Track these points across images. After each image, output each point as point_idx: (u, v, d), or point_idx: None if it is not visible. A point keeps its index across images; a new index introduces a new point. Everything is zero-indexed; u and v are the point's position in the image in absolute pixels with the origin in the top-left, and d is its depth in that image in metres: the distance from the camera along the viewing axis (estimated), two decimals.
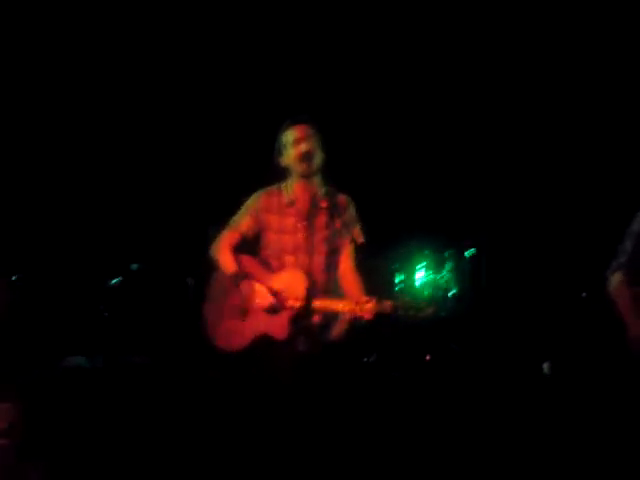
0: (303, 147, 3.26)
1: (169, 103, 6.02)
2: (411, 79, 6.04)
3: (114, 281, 5.61)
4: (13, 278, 5.34)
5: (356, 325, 3.17)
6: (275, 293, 3.22)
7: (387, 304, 3.03)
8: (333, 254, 3.35)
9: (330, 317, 3.22)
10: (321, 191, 3.36)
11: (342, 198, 3.41)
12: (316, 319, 3.16)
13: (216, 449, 3.64)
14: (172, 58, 5.91)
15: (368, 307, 3.03)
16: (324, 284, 3.30)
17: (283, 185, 3.40)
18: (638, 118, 5.51)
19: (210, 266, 3.44)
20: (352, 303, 3.08)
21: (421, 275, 5.60)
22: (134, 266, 5.72)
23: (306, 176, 3.27)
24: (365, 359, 5.21)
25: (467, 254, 5.56)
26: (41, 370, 4.68)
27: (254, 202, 3.42)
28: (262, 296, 3.21)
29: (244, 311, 3.27)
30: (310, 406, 3.11)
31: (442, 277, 5.60)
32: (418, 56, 5.97)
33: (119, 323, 5.47)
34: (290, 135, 3.31)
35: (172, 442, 3.85)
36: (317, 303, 3.13)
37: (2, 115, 5.69)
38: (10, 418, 3.30)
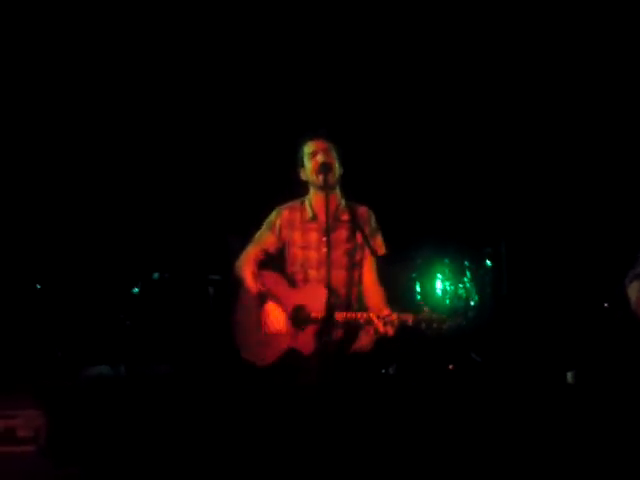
0: (319, 159, 3.28)
1: (193, 111, 6.06)
2: (430, 90, 6.04)
3: (136, 290, 5.65)
4: (38, 287, 5.41)
5: (380, 338, 3.16)
6: (299, 307, 3.23)
7: (409, 317, 3.04)
8: (355, 267, 3.36)
9: (354, 330, 3.23)
10: (341, 204, 3.38)
11: (362, 210, 3.43)
12: (340, 333, 3.17)
13: (240, 459, 3.65)
14: (199, 70, 5.96)
15: (390, 321, 3.03)
16: (347, 298, 3.31)
17: (306, 200, 3.42)
18: None
19: (236, 281, 3.46)
20: (374, 317, 3.08)
21: (441, 284, 5.58)
22: (155, 275, 5.75)
23: (324, 188, 3.27)
24: (384, 370, 5.20)
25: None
26: (65, 379, 4.72)
27: (276, 218, 3.44)
28: (276, 321, 3.24)
29: (270, 332, 3.28)
30: (334, 420, 3.11)
31: (462, 286, 5.58)
32: (434, 66, 5.98)
33: (141, 332, 5.50)
34: (307, 148, 3.34)
35: (195, 451, 3.86)
36: (340, 317, 3.14)
37: (20, 123, 5.75)
38: (36, 425, 3.33)
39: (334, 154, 3.32)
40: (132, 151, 6.10)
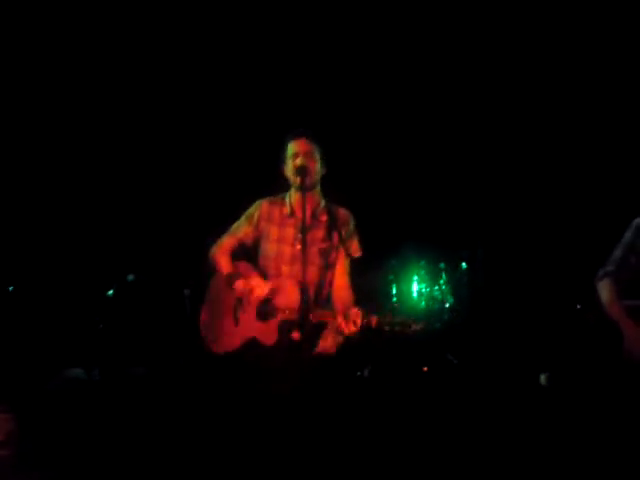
0: (298, 162, 3.29)
1: (168, 115, 6.04)
2: (406, 93, 6.07)
3: (110, 292, 5.62)
4: (10, 289, 5.35)
5: (346, 338, 3.17)
6: (266, 300, 3.25)
7: (372, 319, 3.04)
8: (328, 268, 3.38)
9: (319, 328, 3.24)
10: (321, 204, 3.40)
11: (342, 212, 3.44)
12: (305, 328, 3.17)
13: (212, 458, 3.64)
14: (175, 66, 5.93)
15: (354, 321, 3.04)
16: (317, 296, 3.33)
17: (287, 195, 3.43)
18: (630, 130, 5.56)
19: (208, 271, 3.47)
20: (340, 316, 3.09)
21: (417, 286, 5.61)
22: (130, 277, 5.72)
23: (301, 189, 3.29)
24: (359, 373, 5.22)
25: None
26: (38, 382, 4.67)
27: (256, 210, 3.45)
28: (260, 287, 3.25)
29: (237, 313, 3.30)
30: (301, 414, 3.12)
31: (438, 288, 5.61)
32: (417, 73, 6.02)
33: (116, 334, 5.46)
34: (290, 149, 3.35)
35: (169, 452, 3.84)
36: (307, 313, 3.15)
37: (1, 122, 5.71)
38: (7, 429, 3.29)
39: (316, 156, 3.34)
40: (109, 154, 6.06)
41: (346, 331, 3.04)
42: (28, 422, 3.44)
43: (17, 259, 5.73)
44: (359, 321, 3.03)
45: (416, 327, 3.00)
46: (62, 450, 3.69)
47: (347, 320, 3.04)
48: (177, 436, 3.98)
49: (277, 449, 3.12)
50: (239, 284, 3.30)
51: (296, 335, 3.13)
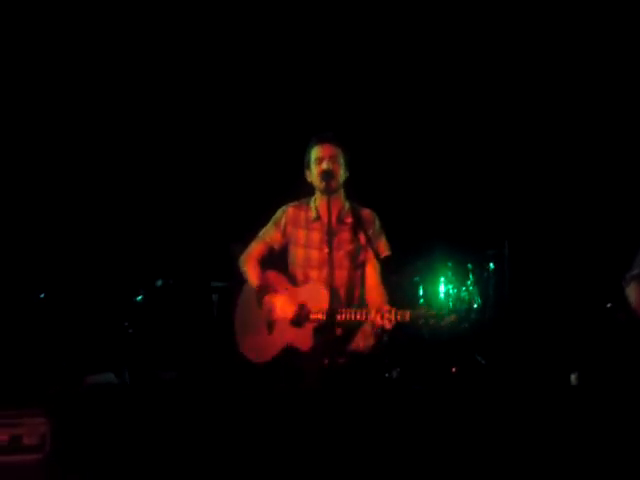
0: (323, 166, 3.32)
1: (197, 119, 6.09)
2: (434, 96, 6.07)
3: (139, 297, 5.67)
4: (41, 296, 5.42)
5: (380, 336, 3.18)
6: (300, 305, 3.26)
7: (406, 313, 3.06)
8: (357, 269, 3.39)
9: (354, 329, 3.25)
10: (345, 207, 3.41)
11: (366, 213, 3.46)
12: (339, 330, 3.19)
13: (244, 464, 3.65)
14: (200, 73, 5.99)
15: (388, 316, 3.05)
16: (349, 298, 3.34)
17: (311, 200, 3.45)
18: None
19: (238, 279, 3.49)
20: (373, 313, 3.10)
21: (444, 288, 5.58)
22: (159, 282, 5.77)
23: (326, 193, 3.30)
24: (387, 374, 5.21)
25: None
26: (70, 386, 4.73)
27: (282, 215, 3.48)
28: (283, 308, 3.27)
29: (270, 324, 3.31)
30: (333, 418, 3.12)
31: (465, 289, 5.58)
32: (438, 74, 6.02)
33: (145, 339, 5.51)
34: (314, 153, 3.37)
35: (200, 456, 3.87)
36: (340, 314, 3.16)
37: (23, 128, 5.78)
38: (41, 433, 3.34)
39: (340, 160, 3.36)
40: (135, 158, 6.12)
41: (379, 323, 3.05)
42: (61, 426, 3.48)
43: (48, 266, 5.80)
44: (393, 317, 3.04)
45: (449, 319, 3.02)
46: (94, 453, 3.74)
47: (381, 316, 3.05)
48: (207, 439, 4.00)
49: (306, 450, 3.13)
50: (266, 301, 3.32)
51: (329, 337, 3.15)
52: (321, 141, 3.38)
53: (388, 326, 3.05)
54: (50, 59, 5.75)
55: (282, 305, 3.29)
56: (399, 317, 3.05)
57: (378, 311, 3.09)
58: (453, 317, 3.04)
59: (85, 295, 5.85)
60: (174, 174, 6.14)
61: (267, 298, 3.32)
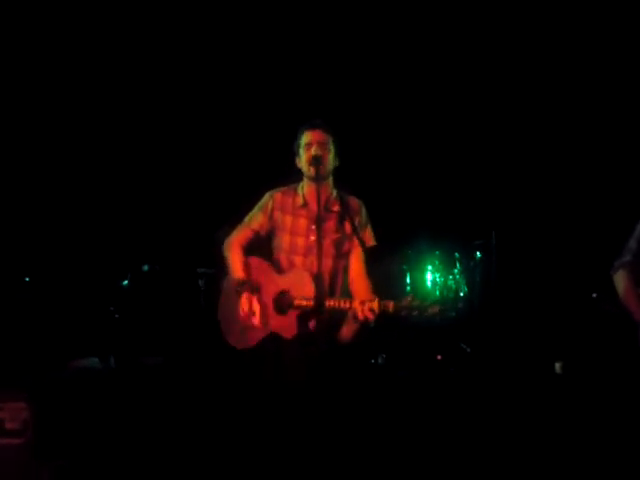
0: (313, 152, 3.28)
1: (182, 106, 6.06)
2: (420, 83, 6.07)
3: (125, 282, 5.65)
4: (26, 279, 5.39)
5: (364, 326, 3.17)
6: (283, 293, 3.25)
7: (389, 304, 3.04)
8: (342, 257, 3.37)
9: (337, 317, 3.24)
10: (333, 194, 3.39)
11: (353, 201, 3.43)
12: (323, 318, 3.18)
13: (226, 448, 3.65)
14: (181, 60, 5.95)
15: (371, 307, 3.04)
16: (332, 286, 3.32)
17: (299, 186, 3.43)
18: None
19: (221, 263, 3.47)
20: (356, 303, 3.09)
21: (431, 276, 5.60)
22: (145, 267, 5.74)
23: (315, 180, 3.28)
24: (373, 361, 5.22)
25: None
26: (53, 371, 4.71)
27: (269, 200, 3.45)
28: (244, 314, 3.25)
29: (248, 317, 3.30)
30: (318, 405, 3.12)
31: (452, 278, 5.59)
32: (429, 63, 6.01)
33: (131, 324, 5.49)
34: (303, 139, 3.34)
35: (184, 442, 3.86)
36: (324, 303, 3.15)
37: (7, 118, 5.73)
38: (23, 418, 3.32)
39: (330, 146, 3.33)
40: (121, 144, 6.09)
41: (361, 317, 3.04)
42: (43, 410, 3.47)
43: (33, 250, 5.77)
44: (376, 307, 3.03)
45: (432, 310, 3.01)
46: (77, 439, 3.73)
47: (364, 306, 3.04)
48: (191, 426, 4.00)
49: (291, 439, 3.13)
50: (242, 295, 3.30)
51: (312, 324, 3.14)
52: (311, 127, 3.35)
53: (371, 317, 3.04)
54: (46, 57, 5.72)
55: (256, 299, 3.27)
56: (382, 308, 3.04)
57: (361, 302, 3.07)
58: (436, 309, 3.02)
59: (70, 279, 5.82)
60: (160, 160, 6.12)
61: (244, 297, 3.29)
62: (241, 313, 3.27)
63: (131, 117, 6.05)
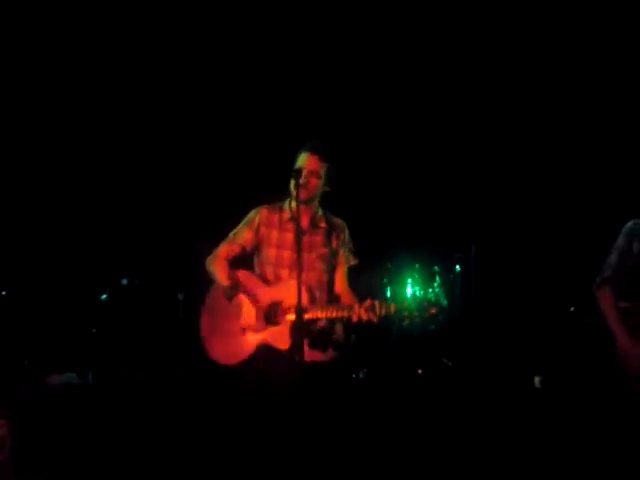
0: (302, 181, 3.30)
1: (165, 119, 6.04)
2: (397, 99, 6.10)
3: (104, 296, 5.60)
4: (3, 293, 5.32)
5: (348, 336, 3.20)
6: (275, 304, 3.25)
7: (391, 306, 3.10)
8: (328, 272, 3.40)
9: (331, 325, 3.26)
10: (318, 213, 3.44)
11: (338, 221, 3.50)
12: (318, 326, 3.20)
13: (212, 462, 3.63)
14: (177, 67, 5.94)
15: (372, 308, 3.08)
16: (320, 299, 3.33)
17: (287, 202, 3.44)
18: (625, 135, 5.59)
19: (207, 278, 3.46)
20: (355, 306, 3.12)
21: (411, 289, 5.61)
22: (124, 281, 5.71)
23: (298, 201, 3.29)
24: (354, 375, 5.22)
25: None
26: (31, 386, 4.64)
27: (255, 216, 3.46)
28: (248, 316, 3.25)
29: (242, 324, 3.29)
30: (309, 416, 3.12)
31: (432, 291, 5.61)
32: (407, 74, 6.04)
33: (109, 339, 5.44)
34: (299, 161, 3.37)
35: (163, 456, 3.83)
36: (318, 311, 3.17)
37: None
38: (1, 434, 3.28)
39: (321, 173, 3.36)
40: (103, 158, 6.06)
41: (365, 318, 3.08)
42: (21, 427, 3.42)
43: (10, 263, 5.71)
44: (378, 310, 3.07)
45: (433, 311, 3.06)
46: (55, 455, 3.68)
47: (366, 310, 3.08)
48: (171, 440, 3.97)
49: (274, 452, 3.12)
50: (236, 301, 3.30)
51: (318, 326, 3.17)
52: (309, 151, 3.38)
53: (374, 319, 3.08)
54: (44, 57, 5.70)
55: (245, 311, 3.27)
56: (384, 310, 3.09)
57: (362, 306, 3.11)
58: (434, 310, 3.08)
59: (48, 293, 5.76)
60: (141, 174, 6.09)
61: (237, 298, 3.30)
62: (239, 318, 3.26)
63: (115, 135, 6.02)
